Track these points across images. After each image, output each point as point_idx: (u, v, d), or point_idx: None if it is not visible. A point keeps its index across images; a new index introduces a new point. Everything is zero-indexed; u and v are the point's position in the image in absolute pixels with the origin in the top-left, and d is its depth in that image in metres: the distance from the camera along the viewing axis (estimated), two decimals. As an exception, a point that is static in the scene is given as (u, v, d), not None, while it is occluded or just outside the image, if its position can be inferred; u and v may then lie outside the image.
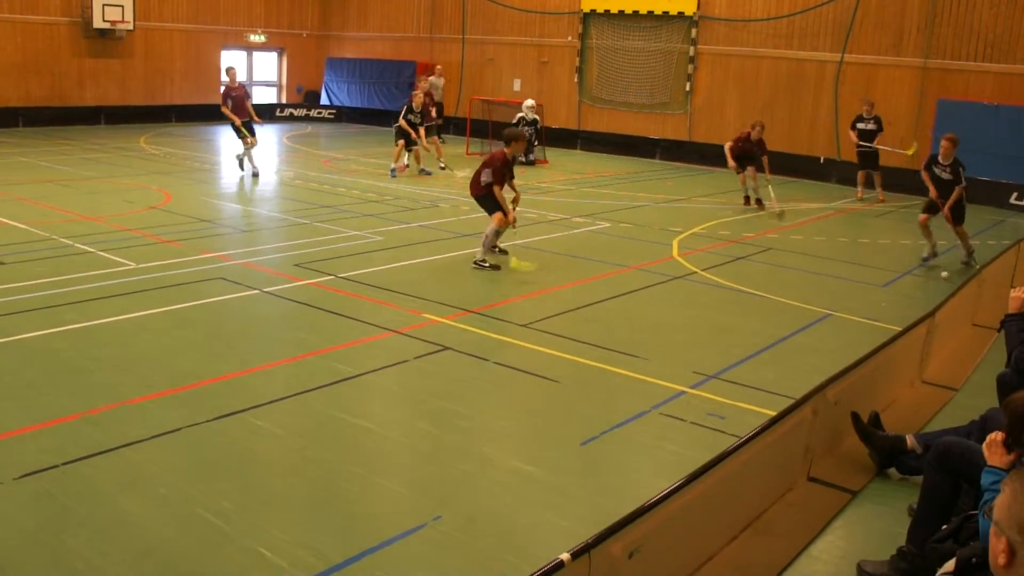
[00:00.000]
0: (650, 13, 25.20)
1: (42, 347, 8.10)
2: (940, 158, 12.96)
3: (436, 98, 23.27)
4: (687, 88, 24.92)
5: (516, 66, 28.23)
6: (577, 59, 26.89)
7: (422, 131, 19.75)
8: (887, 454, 6.46)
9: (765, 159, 17.16)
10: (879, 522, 5.84)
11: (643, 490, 5.40)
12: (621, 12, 25.68)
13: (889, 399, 7.63)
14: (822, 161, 22.67)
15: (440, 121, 24.32)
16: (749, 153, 17.32)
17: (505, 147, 11.64)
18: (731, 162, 17.43)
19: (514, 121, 22.97)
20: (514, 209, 11.81)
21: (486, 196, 11.63)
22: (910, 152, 19.14)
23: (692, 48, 24.74)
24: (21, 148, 21.92)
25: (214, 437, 6.46)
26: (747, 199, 17.77)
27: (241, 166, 18.71)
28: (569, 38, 26.92)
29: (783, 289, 11.17)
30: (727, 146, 17.60)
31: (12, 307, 9.13)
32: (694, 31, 24.63)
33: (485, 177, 11.51)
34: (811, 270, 12.42)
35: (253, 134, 18.39)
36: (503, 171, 11.55)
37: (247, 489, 5.75)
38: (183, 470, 5.96)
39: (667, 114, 25.48)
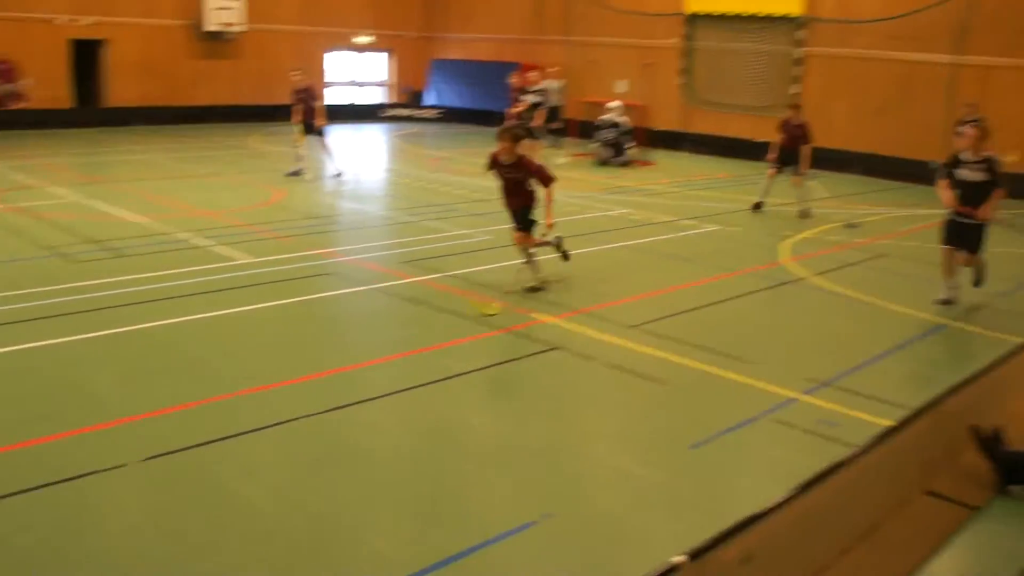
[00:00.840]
0: (756, 16, 24.85)
1: (163, 337, 8.36)
2: (969, 154, 10.18)
3: (553, 102, 22.95)
4: (795, 91, 24.50)
5: (620, 68, 28.11)
6: (682, 61, 26.65)
7: (541, 113, 19.62)
8: (1010, 470, 6.25)
9: (807, 150, 15.74)
10: (1001, 541, 5.65)
11: (754, 496, 5.31)
12: (725, 15, 25.38)
13: (1012, 413, 7.38)
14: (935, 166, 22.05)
15: (561, 125, 24.11)
16: (794, 145, 15.86)
17: None
18: (771, 155, 16.13)
19: (598, 123, 22.86)
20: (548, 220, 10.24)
21: None
22: (1011, 158, 18.43)
23: (800, 50, 24.32)
24: (141, 146, 22.65)
25: (327, 429, 6.58)
26: (759, 204, 16.44)
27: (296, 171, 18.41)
28: (673, 40, 26.71)
29: (897, 296, 10.90)
30: (774, 142, 16.39)
31: (134, 298, 9.44)
32: (802, 33, 24.21)
33: None
34: (926, 277, 12.09)
35: (307, 134, 18.37)
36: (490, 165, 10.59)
37: (359, 481, 5.85)
38: (297, 460, 6.09)
39: (775, 117, 25.05)
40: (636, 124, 23.75)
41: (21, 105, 25.67)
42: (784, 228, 15.03)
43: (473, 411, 7.13)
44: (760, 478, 6.23)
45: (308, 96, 18.59)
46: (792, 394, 7.58)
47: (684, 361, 8.27)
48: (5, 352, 7.84)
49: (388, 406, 7.06)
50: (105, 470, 5.75)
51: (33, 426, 6.41)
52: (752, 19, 24.95)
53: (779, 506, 4.58)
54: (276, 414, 6.72)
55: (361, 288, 10.26)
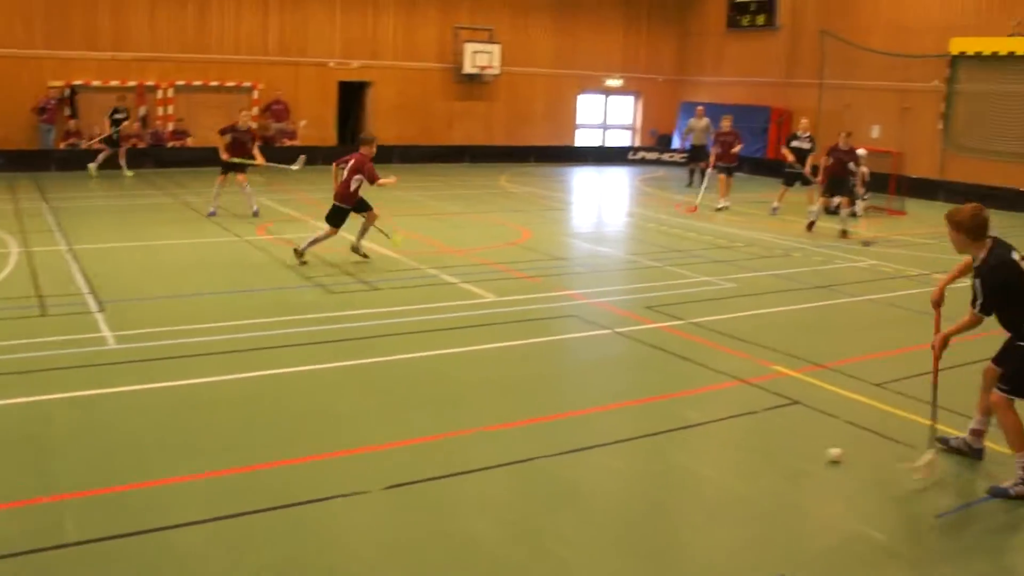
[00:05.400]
0: (1030, 56, 23.44)
1: (410, 369, 8.76)
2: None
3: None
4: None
5: (875, 112, 27.16)
6: (943, 104, 25.47)
7: (810, 160, 19.61)
8: None
9: None
10: None
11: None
12: (995, 54, 24.06)
13: None
14: None
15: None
16: None
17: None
18: None
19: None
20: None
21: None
22: None
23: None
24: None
25: (560, 471, 6.68)
26: None
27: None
28: (936, 83, 25.55)
29: None
30: None
31: (387, 330, 9.96)
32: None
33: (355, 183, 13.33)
34: None
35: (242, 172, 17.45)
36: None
37: (591, 525, 5.92)
38: (530, 500, 6.23)
39: (1046, 164, 23.49)
40: (891, 171, 22.85)
41: (293, 143, 27.57)
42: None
43: (707, 463, 7.06)
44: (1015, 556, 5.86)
45: (253, 137, 17.62)
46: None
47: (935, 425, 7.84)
48: (268, 375, 8.46)
49: (621, 452, 7.09)
50: (349, 495, 6.08)
51: (287, 447, 6.87)
52: (1024, 60, 23.57)
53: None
54: (510, 453, 6.89)
55: (602, 332, 10.36)
